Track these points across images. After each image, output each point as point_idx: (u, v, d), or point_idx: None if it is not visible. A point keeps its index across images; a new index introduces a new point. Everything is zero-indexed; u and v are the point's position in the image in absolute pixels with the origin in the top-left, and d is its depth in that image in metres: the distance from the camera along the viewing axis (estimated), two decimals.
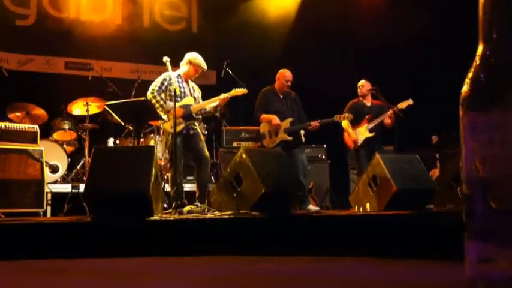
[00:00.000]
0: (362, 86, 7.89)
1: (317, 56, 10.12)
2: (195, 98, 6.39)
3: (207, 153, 6.40)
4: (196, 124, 6.39)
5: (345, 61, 9.91)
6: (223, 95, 6.41)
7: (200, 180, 6.33)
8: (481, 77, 0.86)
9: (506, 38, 0.84)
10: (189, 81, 6.53)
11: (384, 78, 8.20)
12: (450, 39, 8.99)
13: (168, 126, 6.19)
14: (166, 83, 6.27)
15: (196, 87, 6.64)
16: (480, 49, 0.88)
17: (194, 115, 6.29)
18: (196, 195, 6.32)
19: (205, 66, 6.49)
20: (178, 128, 6.13)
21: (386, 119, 7.55)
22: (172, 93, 6.10)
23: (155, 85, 6.29)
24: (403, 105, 7.53)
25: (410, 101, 7.54)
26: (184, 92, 6.37)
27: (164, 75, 6.35)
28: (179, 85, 6.31)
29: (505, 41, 0.84)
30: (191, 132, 6.30)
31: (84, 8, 10.29)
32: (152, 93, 6.23)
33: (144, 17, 10.87)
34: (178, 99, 6.22)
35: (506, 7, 0.83)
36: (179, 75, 6.43)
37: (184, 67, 6.45)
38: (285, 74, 7.33)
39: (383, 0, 10.40)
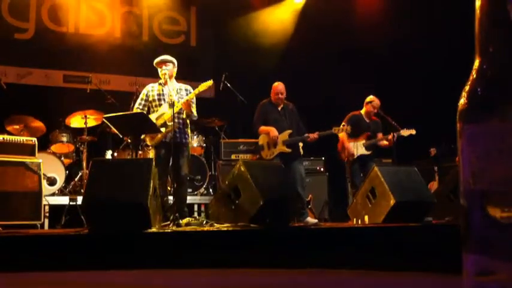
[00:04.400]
0: (370, 102, 7.87)
1: (315, 68, 10.15)
2: (176, 101, 6.14)
3: (184, 171, 6.24)
4: (176, 130, 6.14)
5: (343, 73, 9.92)
6: (185, 99, 6.20)
7: (176, 197, 6.21)
8: (477, 90, 0.86)
9: (502, 51, 0.85)
10: (173, 84, 6.41)
11: (382, 91, 8.21)
12: (448, 53, 9.02)
13: (147, 139, 6.30)
14: (145, 98, 6.43)
15: (184, 87, 6.49)
16: (477, 62, 0.88)
17: (167, 122, 6.21)
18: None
19: (164, 57, 6.43)
20: (156, 140, 6.21)
21: (383, 142, 7.61)
22: (153, 105, 6.35)
23: (136, 103, 6.46)
24: (405, 132, 7.52)
25: (413, 131, 7.50)
26: (164, 99, 6.34)
27: (143, 91, 6.50)
28: (156, 94, 6.38)
29: (502, 54, 0.85)
30: (172, 141, 6.24)
31: (83, 22, 10.33)
32: (135, 111, 6.38)
33: (143, 31, 10.92)
34: (159, 108, 6.31)
35: (503, 20, 0.84)
36: (159, 83, 6.44)
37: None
38: (276, 87, 7.33)
39: (381, 12, 10.43)
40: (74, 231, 4.88)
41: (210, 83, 6.32)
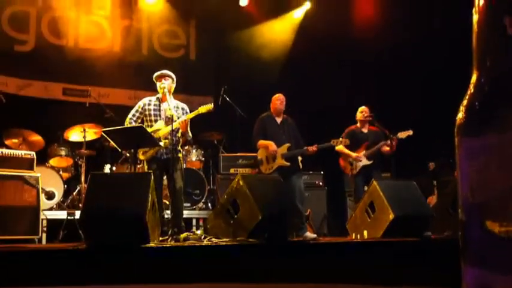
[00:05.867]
0: (360, 112, 7.86)
1: (315, 81, 10.17)
2: (169, 118, 6.13)
3: (179, 184, 6.19)
4: (168, 147, 6.16)
5: (343, 86, 9.94)
6: (182, 118, 6.18)
7: (172, 209, 6.21)
8: (475, 104, 0.86)
9: (499, 65, 0.85)
10: (171, 100, 6.31)
11: (380, 104, 8.22)
12: (446, 67, 9.04)
13: (139, 153, 6.22)
14: (140, 111, 6.37)
15: (180, 105, 6.46)
16: (474, 77, 0.88)
17: (162, 139, 6.19)
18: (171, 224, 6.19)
19: (163, 71, 6.42)
20: (148, 155, 6.19)
21: (384, 147, 7.50)
22: (148, 119, 6.32)
23: (130, 114, 6.38)
24: (403, 135, 7.46)
25: (410, 132, 7.45)
26: (160, 115, 6.34)
27: (139, 103, 6.45)
28: (153, 108, 6.35)
29: (499, 69, 0.85)
30: (164, 157, 6.20)
31: (82, 35, 10.34)
32: (128, 121, 6.33)
33: (143, 45, 10.93)
34: (153, 123, 6.29)
35: (499, 36, 0.84)
36: (157, 98, 6.43)
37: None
38: (276, 97, 7.37)
39: (380, 22, 10.43)
40: (72, 246, 4.86)
41: (210, 107, 6.29)
